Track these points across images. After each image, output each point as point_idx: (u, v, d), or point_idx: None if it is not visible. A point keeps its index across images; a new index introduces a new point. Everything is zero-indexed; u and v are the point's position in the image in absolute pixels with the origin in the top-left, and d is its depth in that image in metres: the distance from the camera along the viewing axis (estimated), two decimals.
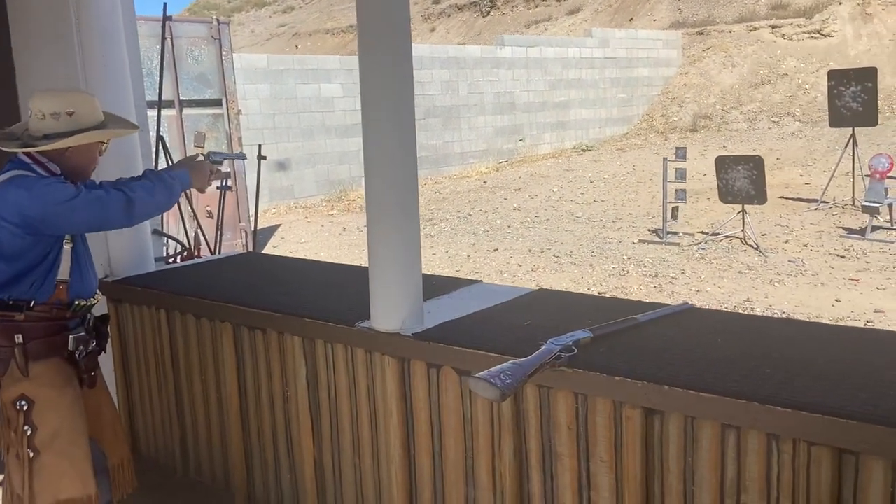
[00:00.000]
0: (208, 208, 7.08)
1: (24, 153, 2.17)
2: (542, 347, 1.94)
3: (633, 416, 1.85)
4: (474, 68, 15.15)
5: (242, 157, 3.72)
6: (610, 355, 1.96)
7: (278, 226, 11.02)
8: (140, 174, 2.42)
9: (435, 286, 2.71)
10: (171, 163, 5.04)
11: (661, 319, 2.23)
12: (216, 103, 7.96)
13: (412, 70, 2.25)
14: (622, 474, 1.90)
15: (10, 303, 2.18)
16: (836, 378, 1.74)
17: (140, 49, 3.72)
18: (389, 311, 2.31)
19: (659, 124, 17.97)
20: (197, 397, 3.00)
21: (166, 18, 5.21)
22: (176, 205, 6.96)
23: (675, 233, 8.57)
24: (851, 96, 9.37)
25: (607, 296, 6.13)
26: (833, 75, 9.82)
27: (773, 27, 19.05)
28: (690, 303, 2.42)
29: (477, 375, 1.78)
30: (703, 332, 2.12)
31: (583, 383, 1.92)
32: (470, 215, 10.75)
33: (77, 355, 2.30)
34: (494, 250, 8.58)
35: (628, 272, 7.24)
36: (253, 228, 5.84)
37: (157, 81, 5.70)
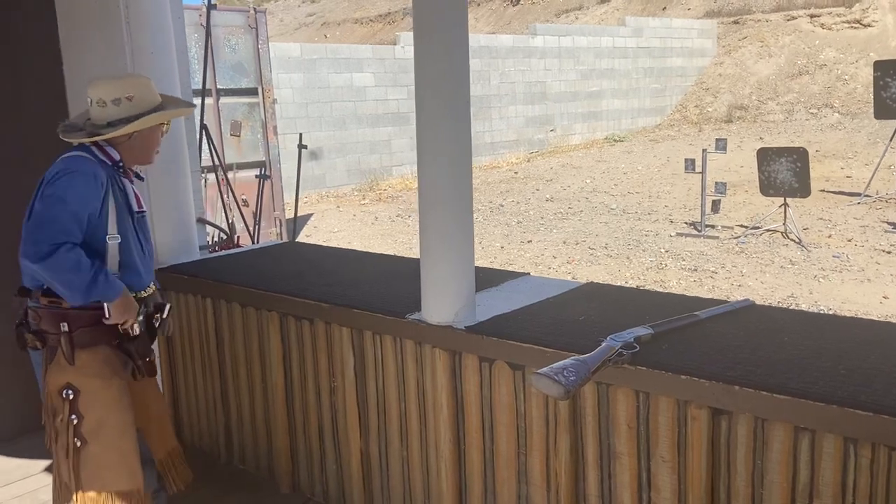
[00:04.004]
0: (243, 196, 7.11)
1: (89, 141, 2.17)
2: (603, 344, 1.89)
3: (698, 417, 1.79)
4: (506, 58, 15.02)
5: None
6: (673, 353, 1.91)
7: (311, 215, 11.04)
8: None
9: (482, 278, 2.66)
10: (213, 150, 5.04)
11: (722, 316, 2.17)
12: (252, 92, 7.97)
13: (468, 56, 2.20)
14: (685, 475, 1.85)
15: None
16: None
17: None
18: (442, 304, 2.27)
19: (693, 115, 17.68)
20: (242, 386, 3.00)
21: (210, 7, 5.21)
22: (214, 194, 7.01)
23: (714, 226, 8.42)
24: None
25: (648, 289, 6.03)
26: (879, 66, 9.56)
27: (812, 16, 18.59)
28: (751, 299, 2.35)
29: (539, 371, 1.74)
30: (767, 331, 2.05)
31: (645, 381, 1.86)
32: (502, 206, 10.67)
33: (125, 343, 2.28)
34: (528, 242, 8.51)
35: (666, 265, 7.13)
36: (293, 217, 5.85)
37: (196, 70, 5.70)
